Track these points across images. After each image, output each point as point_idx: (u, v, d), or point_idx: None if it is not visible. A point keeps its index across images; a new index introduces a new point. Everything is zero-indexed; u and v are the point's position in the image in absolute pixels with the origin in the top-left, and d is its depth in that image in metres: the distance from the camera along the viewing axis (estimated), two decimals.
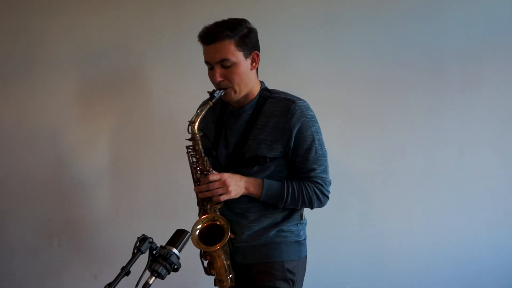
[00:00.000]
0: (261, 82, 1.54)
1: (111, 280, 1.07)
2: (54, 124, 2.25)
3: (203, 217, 1.48)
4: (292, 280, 1.51)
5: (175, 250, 1.15)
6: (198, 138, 1.45)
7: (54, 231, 2.30)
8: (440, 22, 2.14)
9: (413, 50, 2.15)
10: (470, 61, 2.15)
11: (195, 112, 1.46)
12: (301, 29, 2.15)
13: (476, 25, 2.14)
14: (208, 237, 1.46)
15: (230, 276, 1.53)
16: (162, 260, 1.13)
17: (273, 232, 1.50)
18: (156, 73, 2.20)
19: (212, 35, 1.39)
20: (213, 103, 1.42)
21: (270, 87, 1.56)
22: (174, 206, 2.20)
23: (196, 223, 1.46)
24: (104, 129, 2.25)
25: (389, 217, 2.24)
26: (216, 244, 1.43)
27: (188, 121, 1.44)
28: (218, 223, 1.47)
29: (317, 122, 1.48)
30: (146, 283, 1.10)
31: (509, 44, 2.15)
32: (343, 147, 2.18)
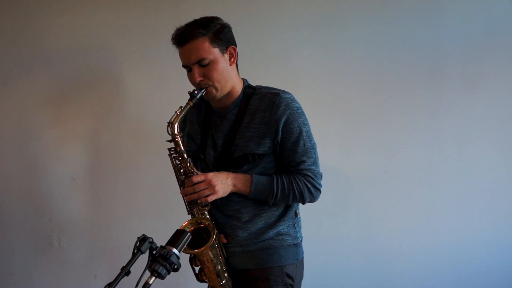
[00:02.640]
0: (244, 80, 1.52)
1: (111, 280, 1.07)
2: (54, 123, 2.25)
3: (186, 222, 1.42)
4: (291, 285, 1.47)
5: (175, 250, 1.15)
6: (179, 139, 1.42)
7: (54, 231, 2.30)
8: (440, 21, 2.14)
9: (413, 49, 2.15)
10: (470, 60, 2.15)
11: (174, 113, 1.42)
12: (301, 28, 2.14)
13: (476, 24, 2.14)
14: (196, 241, 1.41)
15: (223, 282, 1.47)
16: (162, 260, 1.12)
17: (270, 234, 1.46)
18: (156, 73, 2.20)
19: (185, 35, 1.38)
20: (193, 103, 1.40)
21: (268, 86, 1.53)
22: (174, 206, 2.19)
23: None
24: (105, 129, 2.25)
25: (389, 217, 2.24)
26: (202, 246, 1.38)
27: (167, 122, 1.41)
28: (202, 225, 1.42)
29: (303, 114, 1.46)
30: (146, 283, 1.09)
31: (509, 43, 2.15)
32: (342, 146, 2.18)
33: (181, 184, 1.46)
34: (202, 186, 1.38)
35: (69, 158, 2.26)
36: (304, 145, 1.43)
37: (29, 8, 2.20)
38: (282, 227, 1.48)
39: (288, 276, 1.47)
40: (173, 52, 2.16)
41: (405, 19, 2.14)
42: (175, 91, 2.18)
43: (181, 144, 1.42)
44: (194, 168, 1.44)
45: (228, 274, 1.50)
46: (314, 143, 1.47)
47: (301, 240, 1.54)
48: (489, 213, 2.23)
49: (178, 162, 1.45)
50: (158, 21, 2.17)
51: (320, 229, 2.14)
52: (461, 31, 2.14)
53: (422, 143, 2.20)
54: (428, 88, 2.17)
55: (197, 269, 1.52)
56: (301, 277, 1.56)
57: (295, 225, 1.52)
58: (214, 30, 1.39)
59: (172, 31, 2.14)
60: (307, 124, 1.46)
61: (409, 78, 2.16)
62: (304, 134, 1.44)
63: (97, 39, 2.20)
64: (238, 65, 1.53)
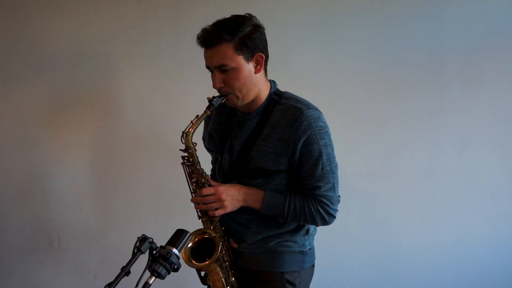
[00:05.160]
0: (272, 84, 1.44)
1: (111, 280, 1.07)
2: (54, 123, 2.25)
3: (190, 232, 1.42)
4: None
5: (175, 250, 1.15)
6: (193, 150, 1.38)
7: (54, 231, 2.30)
8: (440, 21, 2.14)
9: (413, 50, 2.15)
10: (470, 61, 2.15)
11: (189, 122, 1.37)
12: (301, 28, 2.14)
13: (476, 25, 2.14)
14: (202, 252, 1.41)
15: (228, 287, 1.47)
16: (162, 260, 1.12)
17: (276, 240, 1.45)
18: (156, 73, 2.20)
19: (209, 39, 1.29)
20: (210, 111, 1.33)
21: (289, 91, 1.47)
22: (174, 206, 2.20)
23: None
24: (104, 129, 2.25)
25: (389, 217, 2.24)
26: (207, 260, 1.38)
27: (182, 131, 1.36)
28: (207, 236, 1.42)
29: (327, 134, 1.36)
30: (146, 283, 1.09)
31: (509, 43, 2.15)
32: (343, 146, 2.15)
33: (194, 191, 1.45)
34: (211, 199, 1.37)
35: (69, 158, 2.26)
36: (323, 169, 1.35)
37: (29, 9, 2.19)
38: (288, 236, 1.47)
39: (289, 282, 1.45)
40: (174, 53, 2.18)
41: (405, 19, 2.14)
42: (176, 92, 2.19)
43: (195, 155, 1.39)
44: (208, 176, 1.42)
45: (235, 277, 1.49)
46: (335, 166, 1.40)
47: (310, 249, 1.51)
48: (489, 213, 2.23)
49: (190, 171, 1.42)
50: (159, 22, 2.17)
51: (320, 229, 2.13)
52: (461, 32, 2.14)
53: (423, 144, 2.20)
54: (429, 88, 2.17)
55: (202, 273, 1.53)
56: (307, 284, 1.54)
57: (304, 236, 1.50)
58: (242, 36, 1.29)
59: (172, 31, 2.17)
60: (330, 145, 1.37)
61: (410, 79, 2.16)
62: (324, 157, 1.35)
63: (97, 40, 2.20)
64: None
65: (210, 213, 1.39)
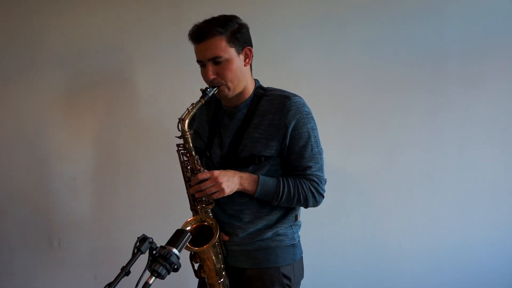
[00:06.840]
0: (256, 80, 1.52)
1: (111, 280, 1.07)
2: (54, 123, 2.25)
3: (190, 219, 1.45)
4: (288, 285, 1.48)
5: (175, 250, 1.15)
6: (188, 136, 1.42)
7: (54, 231, 2.30)
8: (440, 20, 2.14)
9: (413, 48, 2.15)
10: (470, 60, 2.15)
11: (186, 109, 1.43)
12: (301, 28, 2.14)
13: (476, 24, 2.14)
14: (197, 239, 1.42)
15: (222, 280, 1.48)
16: (162, 260, 1.12)
17: (268, 235, 1.47)
18: (156, 72, 2.20)
19: (202, 33, 1.37)
20: (205, 101, 1.40)
21: (269, 85, 1.54)
22: (174, 206, 2.19)
23: (184, 225, 1.42)
24: (105, 128, 2.25)
25: (389, 217, 2.24)
26: (205, 245, 1.40)
27: (178, 118, 1.42)
28: (206, 223, 1.43)
29: (313, 119, 1.46)
30: (146, 283, 1.09)
31: (509, 43, 2.15)
32: (342, 146, 2.18)
33: (187, 181, 1.46)
34: (208, 184, 1.38)
35: (69, 158, 2.26)
36: (312, 150, 1.44)
37: (29, 8, 2.20)
38: (280, 228, 1.49)
39: (285, 276, 1.48)
40: (174, 52, 2.18)
41: (405, 18, 2.14)
42: (176, 91, 2.19)
43: (190, 141, 1.43)
44: (202, 166, 1.45)
45: (225, 272, 1.51)
46: (321, 148, 1.48)
47: (299, 241, 1.55)
48: (489, 213, 2.23)
49: (185, 159, 1.46)
50: (159, 21, 2.17)
51: (320, 229, 2.13)
52: (462, 31, 2.14)
53: (423, 143, 2.19)
54: (429, 87, 2.17)
55: (196, 265, 1.53)
56: (300, 276, 1.56)
57: (293, 227, 1.53)
58: (232, 30, 1.39)
59: (172, 30, 2.16)
60: (316, 129, 1.47)
61: (410, 78, 2.16)
62: (313, 140, 1.44)
63: (97, 39, 2.20)
64: None
65: (209, 197, 1.41)
